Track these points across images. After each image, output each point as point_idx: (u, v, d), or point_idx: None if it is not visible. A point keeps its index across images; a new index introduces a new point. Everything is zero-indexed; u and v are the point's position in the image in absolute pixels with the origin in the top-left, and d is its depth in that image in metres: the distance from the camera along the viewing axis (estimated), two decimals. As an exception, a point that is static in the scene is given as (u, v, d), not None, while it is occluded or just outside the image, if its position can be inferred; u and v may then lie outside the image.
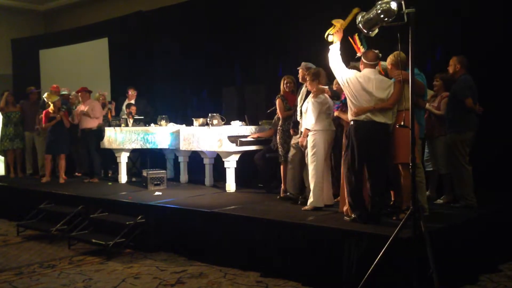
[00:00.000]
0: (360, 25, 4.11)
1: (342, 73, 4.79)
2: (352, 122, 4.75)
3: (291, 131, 5.98)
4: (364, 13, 4.08)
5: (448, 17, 6.51)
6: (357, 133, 4.69)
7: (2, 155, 10.23)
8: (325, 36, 4.78)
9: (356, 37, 4.84)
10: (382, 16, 3.92)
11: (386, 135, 4.77)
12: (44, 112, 8.51)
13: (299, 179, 5.88)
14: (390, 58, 4.92)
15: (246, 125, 7.37)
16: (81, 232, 6.27)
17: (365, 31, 4.16)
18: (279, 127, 6.33)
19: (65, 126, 8.44)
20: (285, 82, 6.39)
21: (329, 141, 5.39)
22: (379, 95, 4.68)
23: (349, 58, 5.09)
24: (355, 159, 4.71)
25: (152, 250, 5.79)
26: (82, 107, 8.51)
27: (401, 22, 3.82)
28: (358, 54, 4.88)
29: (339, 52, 4.79)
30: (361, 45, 4.88)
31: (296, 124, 5.88)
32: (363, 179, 4.78)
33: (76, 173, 9.32)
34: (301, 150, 5.79)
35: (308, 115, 5.38)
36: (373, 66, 4.80)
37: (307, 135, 5.40)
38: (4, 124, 9.58)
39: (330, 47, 4.80)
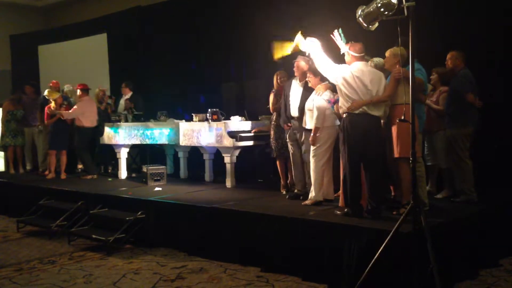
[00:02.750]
0: (360, 19, 4.09)
1: (336, 73, 4.77)
2: (346, 116, 4.76)
3: (285, 126, 5.95)
4: (364, 6, 4.06)
5: (448, 10, 6.47)
6: (352, 127, 4.70)
7: (3, 151, 10.25)
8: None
9: (335, 33, 4.84)
10: (382, 9, 3.90)
11: (379, 128, 4.81)
12: (46, 108, 8.51)
13: (304, 175, 5.85)
14: (390, 52, 4.90)
15: (246, 120, 7.36)
16: (81, 228, 6.27)
17: (365, 25, 4.13)
18: (272, 122, 6.32)
19: (66, 123, 8.46)
20: (278, 77, 6.37)
21: (334, 136, 5.38)
22: (373, 88, 4.71)
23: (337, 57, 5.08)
24: (351, 153, 4.72)
25: (152, 246, 5.80)
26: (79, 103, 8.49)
27: (401, 15, 3.80)
28: (344, 49, 4.85)
29: (321, 53, 4.79)
30: (342, 40, 4.86)
31: (290, 118, 5.85)
32: (360, 173, 4.78)
33: (77, 170, 9.34)
34: (299, 147, 5.77)
35: (315, 112, 5.35)
36: (362, 58, 4.81)
37: (317, 133, 5.36)
38: (7, 121, 9.59)
39: (310, 53, 4.84)
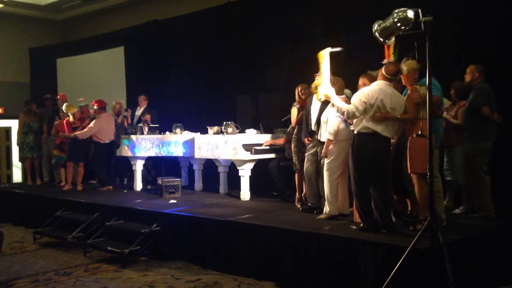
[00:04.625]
0: (376, 33, 4.09)
1: (361, 105, 4.62)
2: (356, 134, 4.72)
3: (306, 140, 5.93)
4: (381, 21, 4.06)
5: (466, 24, 6.44)
6: (360, 148, 4.67)
7: (22, 162, 10.40)
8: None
9: (392, 45, 4.78)
10: (398, 24, 3.90)
11: (388, 150, 4.76)
12: (65, 121, 8.61)
13: (316, 190, 5.84)
14: (409, 66, 4.84)
15: (261, 133, 7.36)
16: (96, 239, 6.32)
17: (381, 40, 4.13)
18: (293, 136, 6.30)
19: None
20: (299, 90, 6.36)
21: (347, 150, 5.35)
22: (392, 112, 4.66)
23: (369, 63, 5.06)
24: (358, 172, 4.68)
25: (167, 258, 5.80)
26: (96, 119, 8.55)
27: (418, 30, 3.79)
28: (385, 61, 4.82)
29: (340, 102, 4.75)
30: (392, 53, 4.83)
31: (311, 133, 5.84)
32: (368, 189, 4.73)
33: (92, 181, 9.40)
34: (316, 160, 5.75)
35: (329, 125, 5.35)
36: (389, 81, 4.74)
37: (329, 146, 5.35)
38: (24, 133, 9.72)
39: (332, 104, 4.81)
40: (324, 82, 4.83)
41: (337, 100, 4.76)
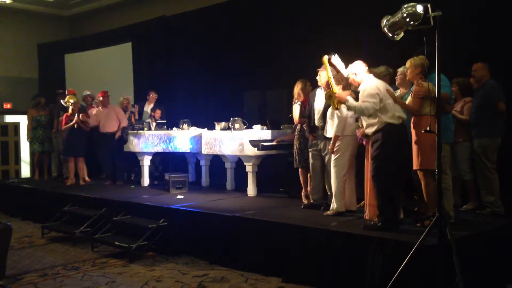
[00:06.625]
0: (385, 29, 4.06)
1: (375, 97, 4.57)
2: (385, 126, 4.59)
3: (310, 136, 5.88)
4: (389, 16, 4.03)
5: (472, 20, 6.38)
6: (393, 138, 4.57)
7: (32, 157, 10.45)
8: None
9: (326, 63, 4.80)
10: (407, 19, 3.86)
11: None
12: (64, 115, 8.65)
13: (322, 185, 5.82)
14: (411, 63, 4.80)
15: (268, 129, 7.35)
16: (104, 234, 6.34)
17: (390, 35, 4.10)
18: (297, 132, 6.27)
19: (83, 129, 8.54)
20: (300, 87, 6.29)
21: (355, 146, 5.33)
22: (387, 97, 4.70)
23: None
24: (394, 165, 4.55)
25: (173, 254, 5.82)
26: (102, 110, 8.58)
27: (427, 25, 3.76)
28: (348, 71, 4.82)
29: (355, 102, 4.69)
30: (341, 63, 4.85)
31: (314, 128, 5.80)
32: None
33: (102, 176, 9.43)
34: (321, 156, 5.73)
35: (335, 120, 5.33)
36: (369, 71, 4.82)
37: (336, 141, 5.31)
38: (33, 128, 9.75)
39: (347, 106, 4.77)
40: (333, 88, 4.84)
41: (352, 101, 4.69)
